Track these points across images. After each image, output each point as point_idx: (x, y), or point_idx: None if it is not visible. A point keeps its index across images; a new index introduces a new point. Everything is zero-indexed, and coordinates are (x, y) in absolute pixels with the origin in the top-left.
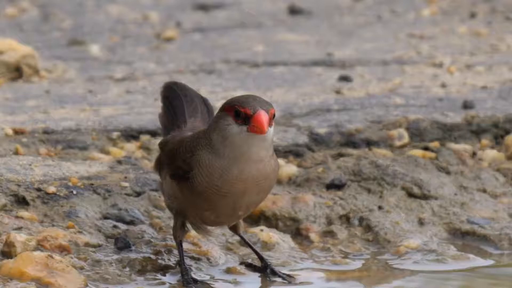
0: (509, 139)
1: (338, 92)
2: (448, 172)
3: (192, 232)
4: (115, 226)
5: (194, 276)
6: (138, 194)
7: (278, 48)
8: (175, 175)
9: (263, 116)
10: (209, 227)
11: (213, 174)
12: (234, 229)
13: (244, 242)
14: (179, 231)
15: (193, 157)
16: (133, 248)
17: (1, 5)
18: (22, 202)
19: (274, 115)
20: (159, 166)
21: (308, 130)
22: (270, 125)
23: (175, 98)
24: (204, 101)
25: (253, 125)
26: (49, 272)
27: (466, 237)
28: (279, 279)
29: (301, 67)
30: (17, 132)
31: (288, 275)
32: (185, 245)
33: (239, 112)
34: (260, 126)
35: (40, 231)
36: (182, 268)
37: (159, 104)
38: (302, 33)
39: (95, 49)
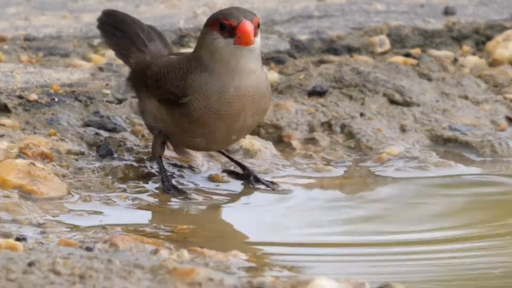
0: (490, 45)
1: None
2: (429, 79)
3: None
4: (97, 134)
5: (174, 183)
6: (120, 101)
7: None
8: (165, 100)
9: (248, 26)
10: (191, 152)
11: (210, 97)
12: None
13: (225, 155)
14: (158, 148)
15: (186, 82)
16: (115, 155)
17: None
18: (3, 109)
19: (259, 24)
20: (135, 85)
21: (289, 37)
22: (255, 34)
23: (122, 22)
24: (152, 28)
25: (239, 36)
26: (31, 180)
27: (448, 144)
28: (262, 186)
29: None
30: None
31: (272, 182)
32: (168, 153)
33: (224, 25)
34: (246, 37)
35: (22, 139)
36: (162, 175)
37: (139, 11)
38: None
39: None
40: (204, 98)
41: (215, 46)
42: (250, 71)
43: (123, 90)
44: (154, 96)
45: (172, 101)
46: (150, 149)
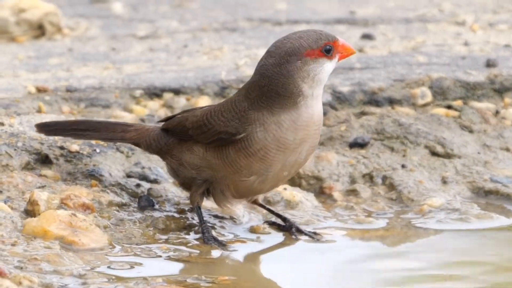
0: None
1: (361, 50)
2: (471, 131)
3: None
4: (138, 185)
5: (214, 234)
6: (155, 154)
7: (301, 6)
8: (215, 141)
9: (343, 39)
10: (233, 200)
11: (283, 122)
12: (254, 201)
13: (265, 209)
14: (198, 197)
15: (245, 121)
16: (156, 206)
17: None
18: (45, 160)
19: None
20: (161, 146)
21: (331, 89)
22: None
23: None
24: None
25: (344, 51)
26: (72, 231)
27: (489, 196)
28: (305, 237)
29: (324, 25)
30: (40, 90)
31: (315, 233)
32: (209, 204)
33: (331, 47)
34: (349, 48)
35: (63, 190)
36: (202, 226)
37: (182, 62)
38: None
39: (118, 6)
40: (276, 125)
41: (325, 71)
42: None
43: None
44: (199, 143)
45: (225, 140)
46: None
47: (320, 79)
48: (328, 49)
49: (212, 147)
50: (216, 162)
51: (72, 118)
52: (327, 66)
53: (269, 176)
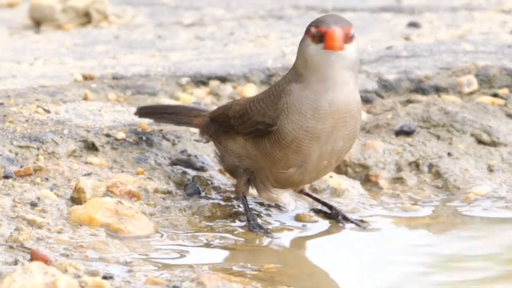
0: None
1: (407, 38)
2: None
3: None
4: (184, 172)
5: (260, 222)
6: (208, 140)
7: None
8: (253, 132)
9: (337, 32)
10: (275, 190)
11: (305, 113)
12: (300, 190)
13: (311, 197)
14: (243, 187)
15: (277, 108)
16: (202, 194)
17: None
18: (91, 148)
19: (353, 34)
20: (210, 133)
21: (377, 77)
22: (347, 42)
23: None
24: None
25: (327, 41)
26: (118, 219)
27: None
28: (351, 225)
29: (370, 13)
30: (86, 77)
31: (361, 220)
32: (255, 191)
33: (315, 31)
34: (332, 40)
35: (109, 177)
36: (248, 214)
37: (228, 50)
38: None
39: None
40: (299, 115)
41: (307, 52)
42: (343, 82)
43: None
44: (239, 133)
45: (261, 131)
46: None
47: (305, 58)
48: (314, 32)
49: (251, 138)
50: (254, 153)
51: (119, 105)
52: (311, 48)
53: (308, 166)
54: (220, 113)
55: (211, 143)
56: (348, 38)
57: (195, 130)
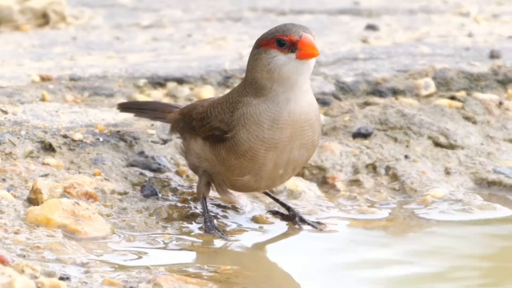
0: None
1: (364, 41)
2: (474, 122)
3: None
4: (141, 174)
5: (216, 223)
6: (165, 141)
7: None
8: (210, 137)
9: (311, 39)
10: (234, 192)
11: (263, 124)
12: None
13: (270, 197)
14: (203, 188)
15: (233, 115)
16: (159, 195)
17: None
18: (48, 149)
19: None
20: (179, 129)
21: (335, 79)
22: None
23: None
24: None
25: (302, 50)
26: (75, 220)
27: (492, 187)
28: (308, 227)
29: (328, 15)
30: (44, 78)
31: (318, 222)
32: (212, 193)
33: (283, 41)
34: (311, 48)
35: (66, 178)
36: (205, 216)
37: (185, 51)
38: None
39: None
40: (256, 126)
41: (275, 63)
42: (306, 90)
43: (167, 132)
44: (199, 135)
45: (218, 137)
46: (195, 190)
47: (270, 70)
48: (280, 43)
49: (209, 142)
50: (211, 157)
51: (76, 107)
52: (279, 59)
53: (263, 175)
54: (186, 112)
55: (168, 144)
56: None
57: (152, 132)
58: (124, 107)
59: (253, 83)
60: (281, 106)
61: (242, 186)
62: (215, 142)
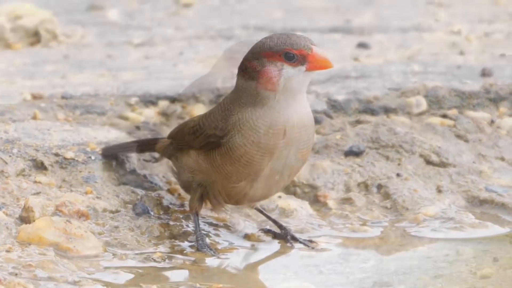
0: None
1: (356, 59)
2: (466, 140)
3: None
4: (133, 192)
5: (208, 242)
6: (157, 160)
7: (297, 14)
8: (205, 145)
9: (323, 51)
10: (228, 207)
11: (259, 129)
12: (252, 206)
13: (263, 214)
14: (196, 203)
15: (228, 121)
16: (151, 214)
17: None
18: (40, 167)
19: None
20: (168, 154)
21: (327, 97)
22: None
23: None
24: None
25: (314, 62)
26: (67, 238)
27: (484, 205)
28: (300, 245)
29: (320, 33)
30: (36, 97)
31: (310, 241)
32: (204, 211)
33: (293, 55)
34: (324, 62)
35: (58, 197)
36: (197, 234)
37: (177, 69)
38: (321, 0)
39: (114, 14)
40: (252, 131)
41: (282, 76)
42: (303, 97)
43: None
44: (193, 148)
45: (213, 144)
46: (187, 208)
47: (277, 82)
48: (289, 56)
49: (203, 152)
50: (206, 166)
51: (68, 125)
52: (287, 72)
53: (260, 181)
54: (177, 131)
55: (161, 162)
56: None
57: None
58: (108, 154)
59: (250, 91)
60: (279, 112)
61: (238, 194)
62: (209, 149)
